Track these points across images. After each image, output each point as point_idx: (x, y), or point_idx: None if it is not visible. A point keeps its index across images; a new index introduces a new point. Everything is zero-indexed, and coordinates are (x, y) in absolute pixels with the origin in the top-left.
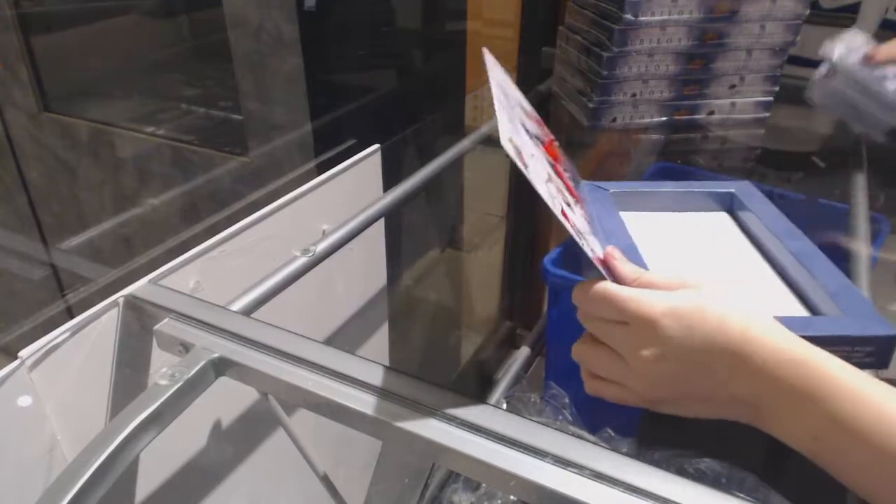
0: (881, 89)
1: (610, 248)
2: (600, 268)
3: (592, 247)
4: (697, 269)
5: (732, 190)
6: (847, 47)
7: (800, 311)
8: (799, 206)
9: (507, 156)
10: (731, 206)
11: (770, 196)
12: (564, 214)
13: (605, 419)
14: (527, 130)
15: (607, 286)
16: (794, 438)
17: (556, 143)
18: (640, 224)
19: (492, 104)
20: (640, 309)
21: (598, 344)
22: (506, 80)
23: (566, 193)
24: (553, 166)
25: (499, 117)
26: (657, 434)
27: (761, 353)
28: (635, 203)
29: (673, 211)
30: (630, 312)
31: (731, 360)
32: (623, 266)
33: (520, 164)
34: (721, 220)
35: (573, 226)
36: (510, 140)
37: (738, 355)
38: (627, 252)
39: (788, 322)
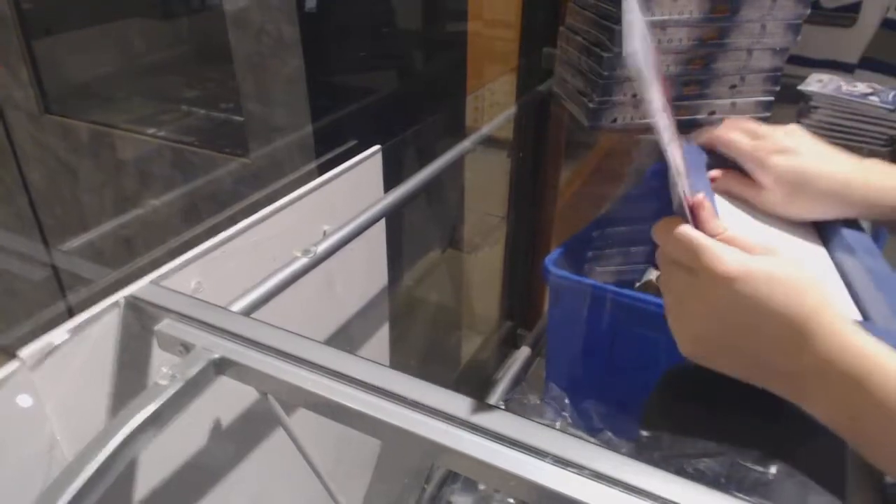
0: (867, 104)
1: (702, 196)
2: (687, 212)
3: (685, 188)
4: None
5: None
6: (821, 82)
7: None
8: None
9: (630, 75)
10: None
11: None
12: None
13: (605, 421)
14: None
15: (689, 230)
16: (833, 419)
17: (667, 79)
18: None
19: (492, 105)
20: (715, 263)
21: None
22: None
23: (673, 130)
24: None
25: (630, 20)
26: (659, 430)
27: (826, 334)
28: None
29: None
30: (703, 263)
31: (792, 335)
32: (711, 217)
33: (647, 77)
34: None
35: (674, 159)
36: (635, 52)
37: (802, 332)
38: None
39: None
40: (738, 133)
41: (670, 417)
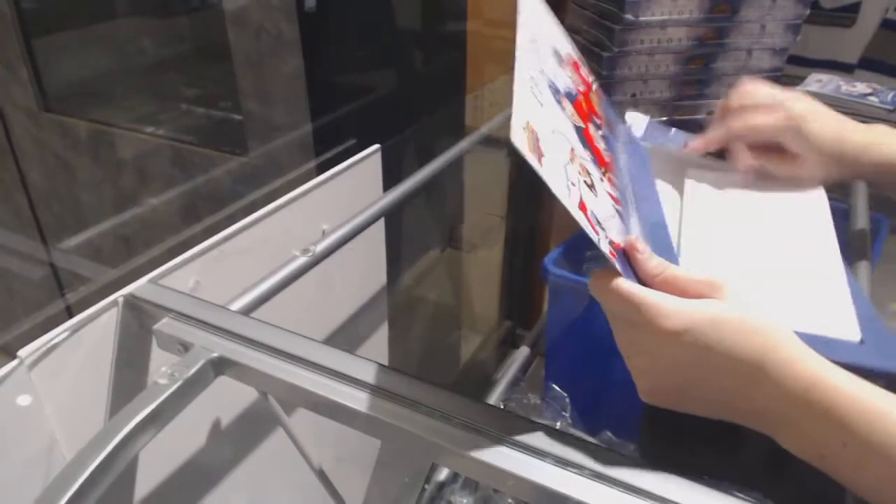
0: (867, 105)
1: (631, 239)
2: (614, 263)
3: (611, 235)
4: (740, 258)
5: None
6: (820, 82)
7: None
8: None
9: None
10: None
11: None
12: (582, 206)
13: (605, 422)
14: (556, 90)
15: (624, 285)
16: (806, 452)
17: (595, 87)
18: (696, 187)
19: (492, 105)
20: (657, 320)
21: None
22: (543, 24)
23: (593, 167)
24: (583, 130)
25: (515, 94)
26: (656, 449)
27: (782, 373)
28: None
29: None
30: (645, 320)
31: (748, 377)
32: (646, 260)
33: (532, 161)
34: (815, 198)
35: (589, 219)
36: (526, 126)
37: (757, 373)
38: (655, 229)
39: (808, 340)
40: (758, 116)
41: (663, 437)
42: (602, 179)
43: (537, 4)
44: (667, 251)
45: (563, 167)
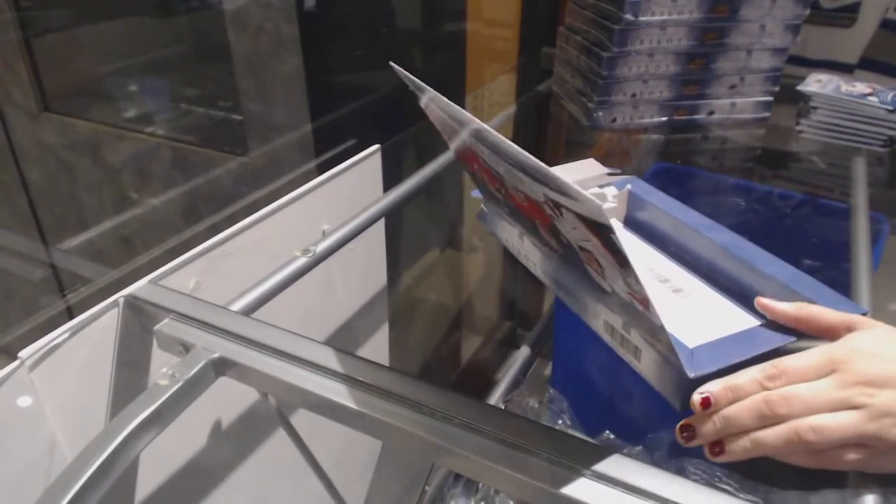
0: (866, 105)
1: (760, 300)
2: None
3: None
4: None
5: (628, 186)
6: (820, 82)
7: (750, 320)
8: (799, 206)
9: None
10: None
11: (769, 195)
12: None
13: (612, 425)
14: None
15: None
16: None
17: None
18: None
19: (492, 105)
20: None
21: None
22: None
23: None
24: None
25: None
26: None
27: None
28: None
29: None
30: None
31: None
32: (779, 305)
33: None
34: (617, 228)
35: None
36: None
37: None
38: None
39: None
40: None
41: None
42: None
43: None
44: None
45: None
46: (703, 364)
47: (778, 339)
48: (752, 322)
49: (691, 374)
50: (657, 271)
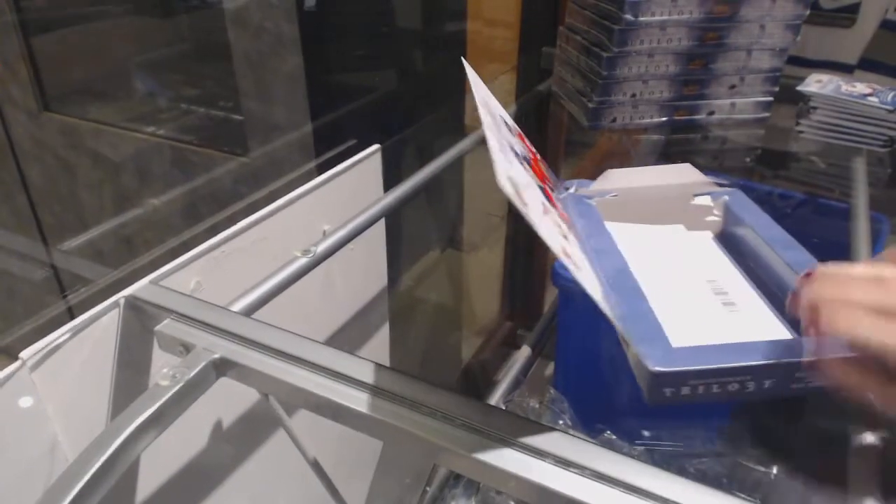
0: (866, 105)
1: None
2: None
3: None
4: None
5: (726, 198)
6: (820, 82)
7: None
8: (799, 206)
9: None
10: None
11: (769, 195)
12: (566, 253)
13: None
14: (516, 154)
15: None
16: None
17: (539, 157)
18: (625, 238)
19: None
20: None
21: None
22: (488, 95)
23: (560, 222)
24: (543, 190)
25: (492, 149)
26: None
27: None
28: (618, 212)
29: (657, 223)
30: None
31: None
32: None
33: (519, 205)
34: (704, 238)
35: (576, 264)
36: (508, 178)
37: None
38: (621, 276)
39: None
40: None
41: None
42: (569, 233)
43: (477, 79)
44: (635, 294)
45: (542, 215)
46: (671, 362)
47: (777, 355)
48: (781, 336)
49: (652, 368)
50: (719, 283)
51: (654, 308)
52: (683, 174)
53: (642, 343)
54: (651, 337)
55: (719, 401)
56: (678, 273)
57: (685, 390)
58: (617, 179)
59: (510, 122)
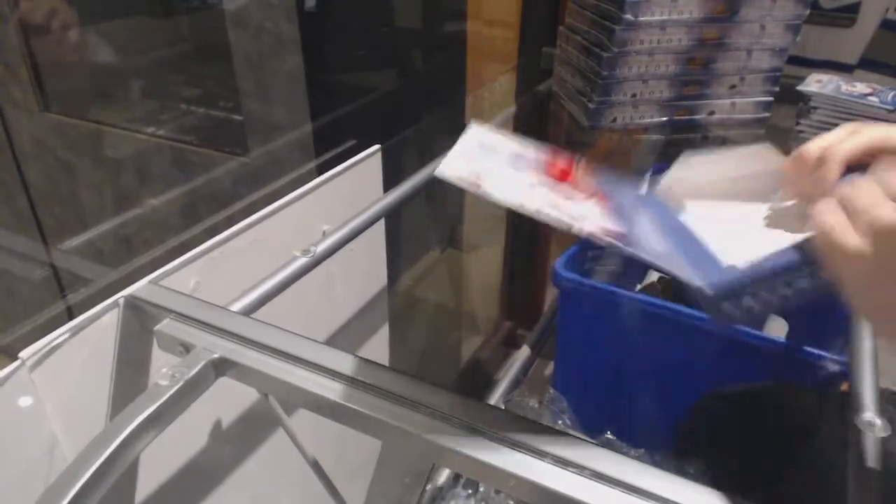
0: (866, 105)
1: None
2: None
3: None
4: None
5: None
6: (820, 82)
7: None
8: None
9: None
10: None
11: None
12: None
13: (606, 425)
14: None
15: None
16: None
17: (560, 161)
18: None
19: (492, 105)
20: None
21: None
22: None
23: (569, 192)
24: (558, 185)
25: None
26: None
27: None
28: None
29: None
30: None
31: None
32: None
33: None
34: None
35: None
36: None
37: None
38: (670, 221)
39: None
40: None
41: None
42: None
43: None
44: (683, 232)
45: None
46: (725, 277)
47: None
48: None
49: (708, 289)
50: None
51: (703, 239)
52: (762, 158)
53: (696, 268)
54: (703, 263)
55: (776, 311)
56: (725, 211)
57: (746, 301)
58: (695, 165)
59: (534, 156)
